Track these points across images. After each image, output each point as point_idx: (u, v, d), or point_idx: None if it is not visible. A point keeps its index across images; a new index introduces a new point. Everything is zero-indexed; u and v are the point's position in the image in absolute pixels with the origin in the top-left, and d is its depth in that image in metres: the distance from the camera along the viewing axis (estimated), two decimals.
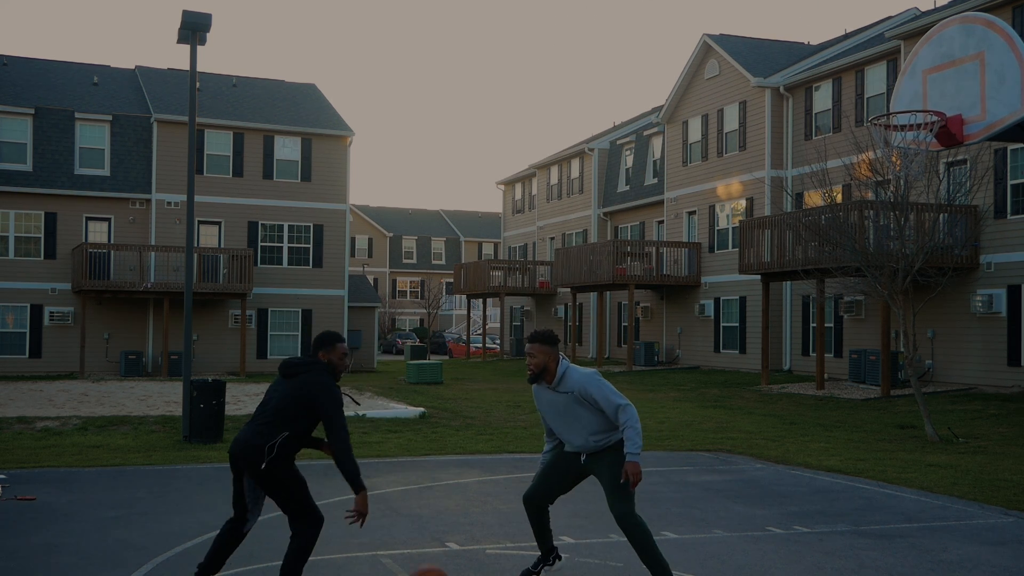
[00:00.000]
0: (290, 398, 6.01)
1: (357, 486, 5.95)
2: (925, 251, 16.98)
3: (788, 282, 28.73)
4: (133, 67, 38.26)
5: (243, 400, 21.89)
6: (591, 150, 41.23)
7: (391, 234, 79.78)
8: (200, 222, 33.02)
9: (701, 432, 16.80)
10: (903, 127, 12.01)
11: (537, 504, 6.82)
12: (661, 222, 36.47)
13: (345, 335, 34.62)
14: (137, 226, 32.96)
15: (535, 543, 8.15)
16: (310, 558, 7.56)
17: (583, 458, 6.65)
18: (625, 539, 8.43)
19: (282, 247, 34.45)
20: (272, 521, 8.86)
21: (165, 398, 22.37)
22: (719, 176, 32.33)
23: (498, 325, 55.70)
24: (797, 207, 27.85)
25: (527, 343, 6.54)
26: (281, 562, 6.12)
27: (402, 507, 9.84)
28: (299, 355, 6.27)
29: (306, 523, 6.06)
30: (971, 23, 11.54)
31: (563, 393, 6.48)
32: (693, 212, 33.86)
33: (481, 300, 46.76)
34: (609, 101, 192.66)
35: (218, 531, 6.34)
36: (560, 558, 7.08)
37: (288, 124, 34.73)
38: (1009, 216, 21.92)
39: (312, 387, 6.01)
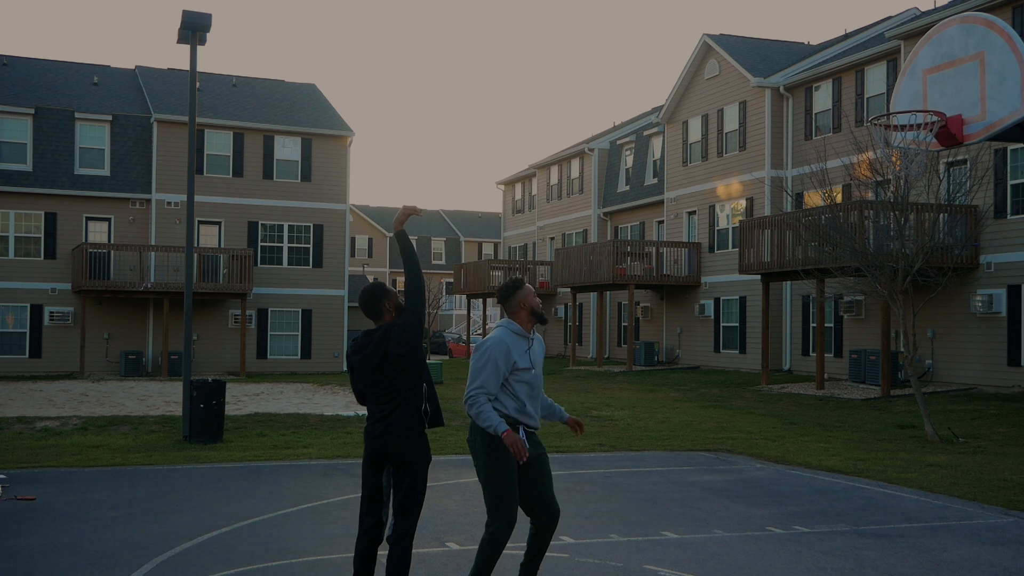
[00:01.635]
0: (407, 368, 5.73)
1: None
2: (925, 251, 16.98)
3: (788, 282, 28.73)
4: (133, 67, 38.27)
5: (243, 400, 21.89)
6: (591, 150, 41.23)
7: (391, 234, 79.77)
8: (200, 222, 33.02)
9: (701, 432, 16.80)
10: (903, 127, 12.01)
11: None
12: (661, 222, 36.47)
13: (345, 335, 34.64)
14: (137, 226, 32.96)
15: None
16: (311, 558, 7.58)
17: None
18: (624, 539, 8.45)
19: (282, 247, 34.45)
20: (271, 521, 8.86)
21: (165, 398, 22.36)
22: (719, 176, 32.33)
23: None
24: (797, 207, 27.85)
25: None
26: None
27: None
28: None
29: (414, 514, 5.81)
30: (971, 23, 11.54)
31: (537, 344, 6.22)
32: (693, 212, 33.86)
33: (481, 300, 46.76)
34: (609, 101, 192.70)
35: (355, 547, 6.00)
36: None
37: (288, 124, 34.73)
38: (1009, 216, 21.92)
39: (408, 334, 5.72)
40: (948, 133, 11.43)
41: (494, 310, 63.34)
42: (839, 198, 23.72)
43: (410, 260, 5.89)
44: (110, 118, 32.97)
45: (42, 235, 31.93)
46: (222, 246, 33.31)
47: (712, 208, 32.75)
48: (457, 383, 28.94)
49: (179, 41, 15.91)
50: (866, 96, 26.84)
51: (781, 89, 29.83)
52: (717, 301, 32.19)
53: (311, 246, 34.74)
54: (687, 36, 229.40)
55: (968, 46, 11.38)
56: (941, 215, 20.06)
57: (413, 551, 7.90)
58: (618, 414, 19.58)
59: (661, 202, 36.01)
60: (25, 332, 31.45)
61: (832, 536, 8.67)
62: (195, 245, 25.10)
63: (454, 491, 10.82)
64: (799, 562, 7.71)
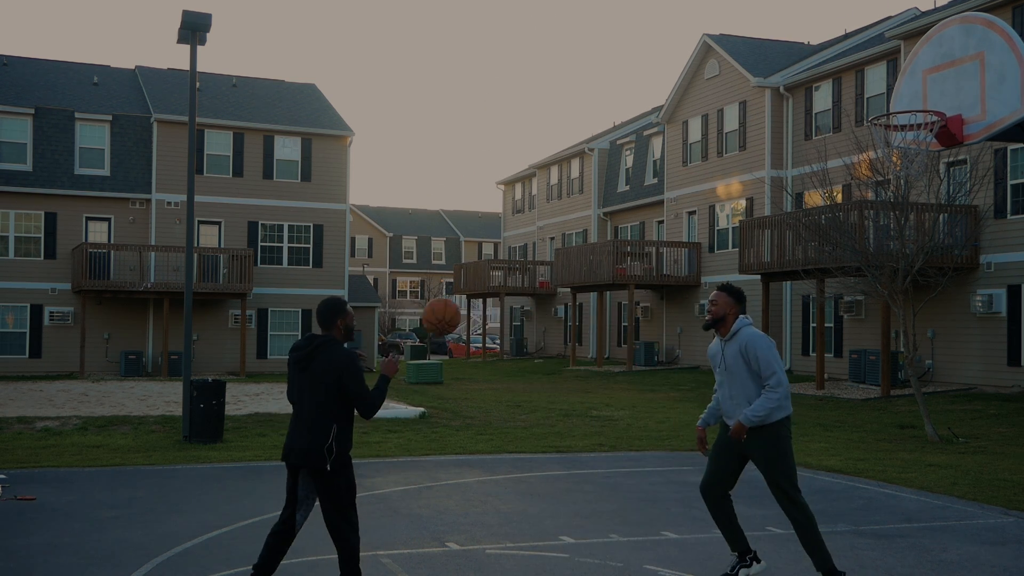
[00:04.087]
0: (319, 390, 6.00)
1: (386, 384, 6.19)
2: (925, 251, 16.98)
3: (788, 282, 28.73)
4: (133, 67, 38.26)
5: (243, 400, 21.89)
6: (591, 150, 41.23)
7: (391, 234, 79.77)
8: (200, 222, 33.02)
9: None
10: (903, 127, 12.00)
11: (715, 493, 6.71)
12: (661, 222, 36.47)
13: None
14: (137, 226, 32.96)
15: (538, 543, 8.15)
16: (311, 558, 7.58)
17: (731, 395, 6.71)
18: (624, 539, 8.45)
19: (282, 247, 34.45)
20: (271, 521, 8.86)
21: (165, 398, 22.36)
22: (719, 176, 32.33)
23: (498, 325, 55.68)
24: (797, 207, 27.85)
25: (715, 291, 6.81)
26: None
27: (402, 507, 9.83)
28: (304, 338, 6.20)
29: (350, 526, 6.08)
30: (971, 23, 11.53)
31: (732, 347, 6.64)
32: (693, 212, 33.86)
33: (481, 300, 46.76)
34: (609, 101, 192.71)
35: (268, 533, 6.29)
36: (759, 560, 6.83)
37: (288, 124, 34.73)
38: (1009, 216, 21.92)
39: (335, 370, 5.99)
40: (948, 133, 11.42)
41: (494, 310, 63.32)
42: (839, 198, 23.72)
43: (380, 397, 6.15)
44: (110, 118, 32.97)
45: (42, 235, 31.93)
46: (222, 246, 33.31)
47: (712, 208, 32.74)
48: (457, 383, 28.94)
49: (179, 41, 15.91)
50: (866, 96, 26.84)
51: (781, 89, 29.83)
52: None
53: (311, 246, 34.74)
54: (687, 36, 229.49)
55: (968, 46, 11.38)
56: (941, 215, 20.05)
57: (414, 551, 7.92)
58: (618, 414, 19.58)
59: (661, 202, 36.01)
60: (25, 332, 31.45)
61: (832, 536, 8.66)
62: (195, 245, 25.10)
63: (454, 491, 10.82)
64: (799, 562, 7.71)
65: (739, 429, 6.51)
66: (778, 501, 6.59)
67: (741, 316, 6.72)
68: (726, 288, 6.75)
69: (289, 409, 19.63)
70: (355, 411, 6.11)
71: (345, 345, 6.18)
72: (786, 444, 6.62)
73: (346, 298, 34.96)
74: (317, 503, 6.27)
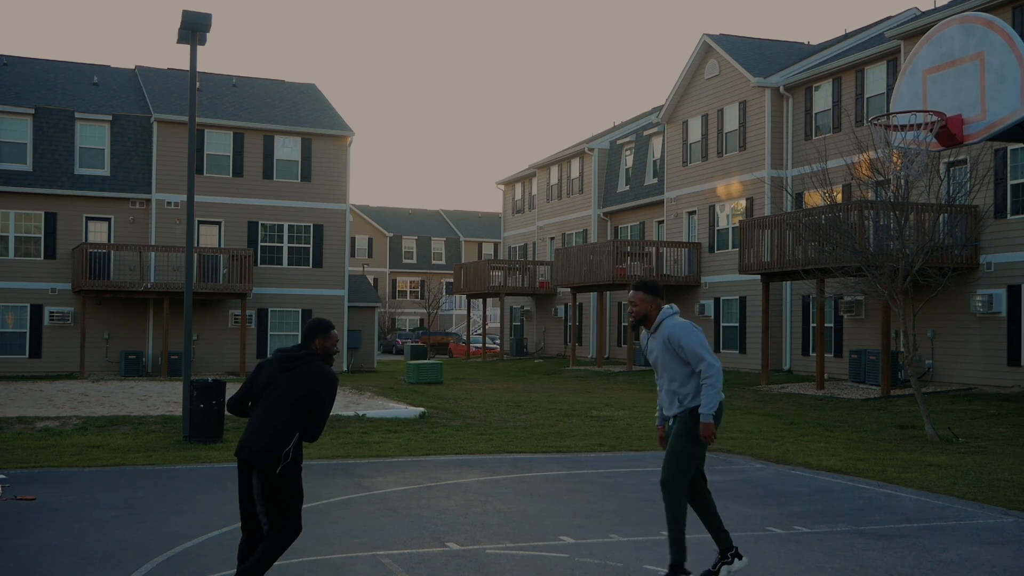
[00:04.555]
0: (297, 395, 6.05)
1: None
2: (925, 251, 16.98)
3: (788, 282, 28.73)
4: (133, 67, 38.27)
5: None
6: (591, 150, 41.23)
7: (391, 234, 79.77)
8: (200, 222, 33.02)
9: None
10: (903, 127, 12.01)
11: (691, 487, 6.79)
12: (661, 222, 36.47)
13: (345, 335, 34.65)
14: (137, 226, 32.96)
15: (538, 543, 8.15)
16: (311, 558, 7.58)
17: (671, 422, 6.84)
18: (624, 539, 8.45)
19: (282, 247, 34.45)
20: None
21: (165, 398, 22.36)
22: (719, 176, 32.34)
23: (498, 325, 55.70)
24: (797, 207, 27.85)
25: (631, 291, 6.81)
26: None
27: (402, 507, 9.83)
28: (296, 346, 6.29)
29: (288, 531, 6.08)
30: (971, 23, 11.54)
31: (657, 339, 6.74)
32: (693, 212, 33.86)
33: (481, 300, 46.76)
34: (609, 101, 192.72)
35: (237, 552, 6.28)
36: (741, 557, 6.90)
37: (288, 124, 34.73)
38: (1009, 216, 21.92)
39: (316, 382, 6.11)
40: (948, 133, 11.43)
41: (494, 310, 63.33)
42: (839, 198, 23.72)
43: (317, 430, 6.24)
44: (110, 118, 32.97)
45: (42, 235, 31.93)
46: (222, 246, 33.31)
47: (712, 208, 32.75)
48: (457, 383, 28.94)
49: (179, 41, 15.91)
50: (866, 96, 26.84)
51: (781, 89, 29.84)
52: (717, 301, 32.19)
53: (311, 246, 34.74)
54: (687, 36, 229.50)
55: (968, 46, 11.38)
56: (941, 215, 20.05)
57: (414, 551, 7.91)
58: (618, 414, 19.58)
59: (661, 202, 36.01)
60: (25, 332, 31.45)
61: (832, 536, 8.66)
62: (195, 245, 25.10)
63: (454, 491, 10.82)
64: (799, 562, 7.71)
65: (708, 430, 6.56)
66: (663, 475, 6.68)
67: (664, 307, 6.77)
68: (641, 285, 6.77)
69: None
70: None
71: None
72: (698, 434, 6.68)
73: (347, 298, 35.00)
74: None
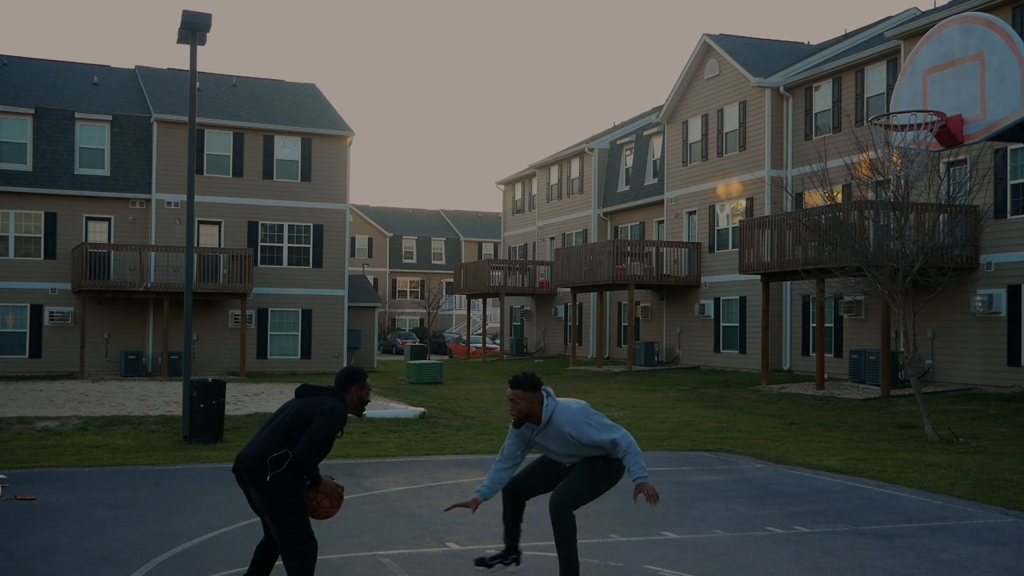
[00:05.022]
0: (294, 414, 5.86)
1: (315, 480, 5.88)
2: (925, 251, 16.98)
3: (788, 282, 28.72)
4: (133, 67, 38.27)
5: (243, 400, 21.90)
6: (591, 150, 41.23)
7: (391, 234, 79.77)
8: (200, 222, 33.02)
9: (701, 432, 16.80)
10: (903, 127, 12.02)
11: (515, 493, 6.87)
12: (661, 222, 36.47)
13: (345, 335, 34.66)
14: (137, 226, 32.96)
15: (538, 543, 8.15)
16: None
17: (570, 462, 6.77)
18: (624, 539, 8.45)
19: (282, 247, 34.45)
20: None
21: (165, 398, 22.36)
22: (719, 176, 32.34)
23: (498, 325, 55.71)
24: (797, 207, 27.85)
25: (509, 388, 6.51)
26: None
27: (402, 507, 9.83)
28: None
29: (299, 549, 5.73)
30: (971, 23, 11.55)
31: (552, 432, 6.52)
32: (693, 212, 33.86)
33: (481, 300, 46.76)
34: (609, 101, 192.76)
35: (257, 544, 6.20)
36: (519, 562, 7.12)
37: (288, 124, 34.73)
38: (1009, 216, 21.92)
39: (319, 409, 5.84)
40: (948, 133, 11.44)
41: (494, 310, 63.35)
42: (839, 198, 23.72)
43: (313, 460, 5.80)
44: (110, 118, 32.97)
45: (42, 235, 31.93)
46: (222, 246, 33.31)
47: (712, 208, 32.75)
48: (457, 383, 28.94)
49: (179, 41, 15.91)
50: (866, 96, 26.84)
51: (781, 89, 29.83)
52: (717, 301, 32.19)
53: (311, 246, 34.74)
54: (687, 36, 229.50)
55: (968, 46, 11.39)
56: (941, 215, 20.05)
57: (414, 551, 7.92)
58: (618, 414, 19.58)
59: (661, 202, 36.01)
60: (25, 332, 31.45)
61: (832, 536, 8.67)
62: (195, 245, 25.10)
63: (454, 491, 10.81)
64: (799, 562, 7.71)
65: (652, 490, 6.47)
66: (555, 502, 6.50)
67: (545, 398, 6.51)
68: (517, 383, 6.47)
69: None
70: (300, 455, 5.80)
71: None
72: (610, 473, 6.67)
73: (347, 298, 35.01)
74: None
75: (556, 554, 6.61)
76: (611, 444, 6.47)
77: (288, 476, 5.71)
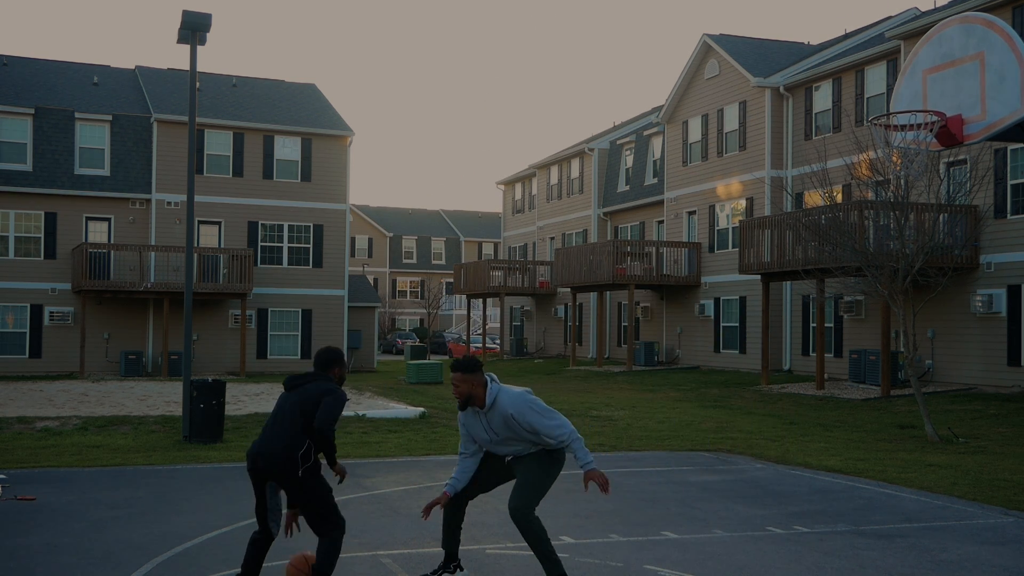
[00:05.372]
0: (305, 405, 6.22)
1: (333, 462, 6.35)
2: (925, 251, 16.98)
3: (788, 282, 28.72)
4: (133, 67, 38.27)
5: (243, 400, 21.90)
6: (591, 150, 41.23)
7: (391, 234, 79.77)
8: (200, 222, 33.02)
9: (701, 432, 16.80)
10: (903, 127, 12.01)
11: (454, 497, 6.81)
12: (661, 222, 36.46)
13: (345, 335, 34.65)
14: (137, 226, 32.96)
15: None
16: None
17: (508, 459, 6.80)
18: (624, 539, 8.45)
19: (282, 247, 34.45)
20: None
21: (165, 398, 22.36)
22: (719, 176, 32.33)
23: (498, 325, 55.70)
24: (797, 207, 27.84)
25: (451, 372, 6.62)
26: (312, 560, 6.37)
27: (402, 507, 9.83)
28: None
29: (332, 526, 6.26)
30: (971, 23, 11.55)
31: (496, 416, 6.56)
32: (693, 212, 33.85)
33: (481, 300, 46.75)
34: (609, 101, 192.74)
35: (248, 542, 6.47)
36: (462, 569, 6.99)
37: (288, 124, 34.73)
38: (1009, 216, 21.92)
39: (321, 392, 6.26)
40: (948, 133, 11.43)
41: (494, 310, 63.35)
42: (839, 198, 23.72)
43: (332, 435, 6.27)
44: (110, 118, 32.97)
45: (42, 235, 31.93)
46: (222, 246, 33.31)
47: (712, 208, 32.74)
48: None
49: (179, 41, 15.91)
50: (866, 96, 26.84)
51: (781, 89, 29.83)
52: (717, 301, 32.19)
53: (311, 246, 34.74)
54: (687, 36, 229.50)
55: (968, 46, 11.39)
56: (941, 215, 20.05)
57: (414, 551, 7.92)
58: (618, 414, 19.58)
59: (661, 202, 36.01)
60: (25, 332, 31.45)
61: (832, 536, 8.67)
62: (195, 245, 25.10)
63: None
64: (799, 562, 7.71)
65: (602, 477, 6.45)
66: (514, 510, 6.52)
67: (488, 383, 6.59)
68: (459, 366, 6.57)
69: None
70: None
71: None
72: (554, 462, 6.69)
73: (347, 298, 35.01)
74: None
75: (532, 553, 6.64)
76: (548, 432, 6.47)
77: (315, 467, 6.20)
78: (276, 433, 6.17)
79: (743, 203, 31.09)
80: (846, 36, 32.29)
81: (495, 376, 6.73)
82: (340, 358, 6.56)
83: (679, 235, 34.35)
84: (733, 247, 31.09)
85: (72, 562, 7.48)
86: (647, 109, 44.20)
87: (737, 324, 31.18)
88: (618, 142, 40.84)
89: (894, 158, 15.50)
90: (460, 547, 8.01)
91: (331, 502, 6.25)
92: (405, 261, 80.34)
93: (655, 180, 37.19)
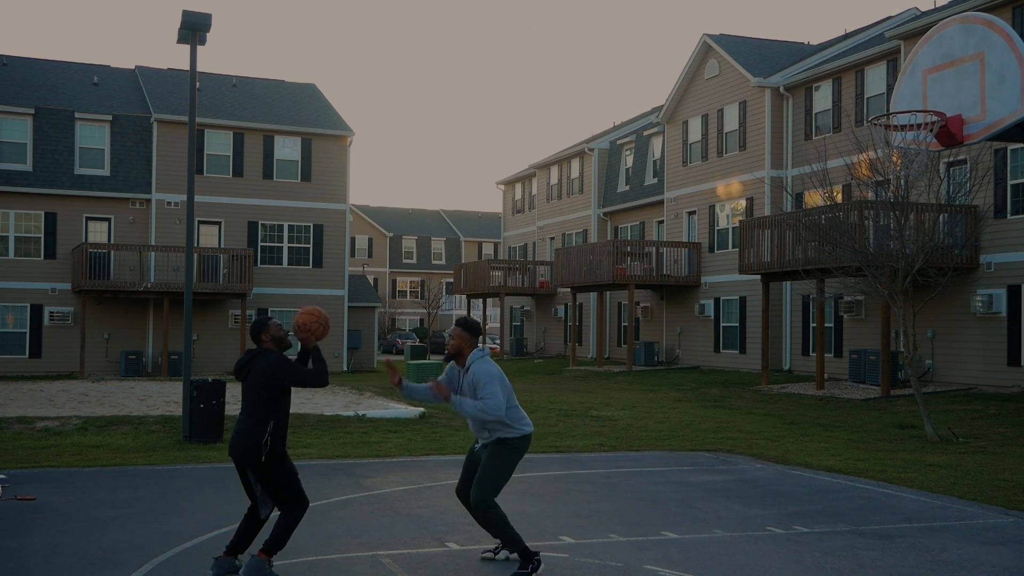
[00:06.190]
0: (256, 389, 6.77)
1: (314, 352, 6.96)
2: (925, 251, 16.97)
3: (788, 282, 28.72)
4: (133, 67, 38.27)
5: None
6: (591, 150, 41.23)
7: (391, 234, 79.76)
8: (200, 222, 33.03)
9: (701, 432, 16.80)
10: (903, 127, 12.02)
11: (467, 494, 7.42)
12: (661, 222, 36.46)
13: (345, 335, 34.65)
14: (137, 226, 32.97)
15: (538, 543, 8.16)
16: (311, 558, 7.58)
17: (476, 447, 7.44)
18: (624, 539, 8.46)
19: (282, 247, 34.45)
20: (271, 521, 8.85)
21: (165, 398, 22.36)
22: (719, 176, 32.33)
23: (498, 325, 55.69)
24: (797, 207, 27.84)
25: (453, 326, 7.26)
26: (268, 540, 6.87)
27: (402, 507, 9.83)
28: (289, 355, 6.99)
29: (295, 508, 6.87)
30: (971, 23, 11.55)
31: (467, 379, 7.22)
32: (693, 212, 33.85)
33: (481, 300, 46.76)
34: (609, 101, 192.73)
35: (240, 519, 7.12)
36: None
37: (288, 124, 34.73)
38: (1009, 216, 21.92)
39: (267, 369, 6.76)
40: (948, 133, 11.44)
41: (494, 310, 63.36)
42: (839, 198, 23.72)
43: (319, 363, 6.93)
44: (110, 118, 32.97)
45: (42, 235, 31.93)
46: (222, 246, 33.31)
47: (712, 208, 32.74)
48: None
49: (179, 41, 15.91)
50: (866, 96, 26.84)
51: (781, 89, 29.83)
52: (717, 301, 32.19)
53: (311, 246, 34.74)
54: (687, 36, 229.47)
55: (968, 46, 11.39)
56: (941, 215, 20.05)
57: (414, 551, 7.92)
58: (618, 414, 19.58)
59: (661, 202, 36.01)
60: (25, 332, 31.45)
61: (832, 536, 8.67)
62: (195, 245, 25.10)
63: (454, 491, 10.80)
64: (799, 562, 7.71)
65: (443, 390, 7.01)
66: (474, 502, 7.13)
67: (476, 349, 7.24)
68: (462, 323, 7.24)
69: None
70: (287, 413, 6.87)
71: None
72: (507, 458, 7.22)
73: (347, 298, 35.01)
74: None
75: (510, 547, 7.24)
76: (482, 395, 6.97)
77: (277, 453, 6.77)
78: (242, 425, 6.79)
79: (743, 203, 31.09)
80: (846, 36, 32.29)
81: (487, 351, 7.43)
82: (262, 325, 6.98)
83: (679, 235, 34.35)
84: (733, 247, 31.09)
85: (72, 562, 7.48)
86: (647, 109, 44.20)
87: (737, 324, 31.18)
88: (618, 142, 40.84)
89: (894, 158, 15.50)
90: (460, 547, 8.02)
91: (295, 486, 6.84)
92: (405, 261, 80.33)
93: (655, 180, 37.19)
